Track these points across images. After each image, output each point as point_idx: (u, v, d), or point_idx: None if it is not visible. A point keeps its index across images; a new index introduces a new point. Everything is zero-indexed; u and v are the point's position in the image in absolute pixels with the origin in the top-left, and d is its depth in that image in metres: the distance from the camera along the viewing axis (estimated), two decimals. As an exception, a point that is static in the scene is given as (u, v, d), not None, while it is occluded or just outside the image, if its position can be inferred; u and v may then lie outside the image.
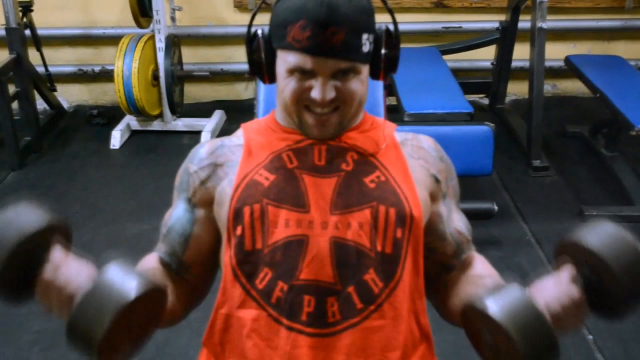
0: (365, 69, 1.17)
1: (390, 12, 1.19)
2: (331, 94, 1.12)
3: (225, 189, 1.20)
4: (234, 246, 1.18)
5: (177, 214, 1.27)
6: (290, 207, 1.16)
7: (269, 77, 1.20)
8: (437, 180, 1.27)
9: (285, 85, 1.15)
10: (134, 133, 4.30)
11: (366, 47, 1.13)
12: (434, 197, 1.26)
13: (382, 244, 1.16)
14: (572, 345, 2.39)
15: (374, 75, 1.20)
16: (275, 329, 1.14)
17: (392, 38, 1.18)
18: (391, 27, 1.19)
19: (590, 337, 2.45)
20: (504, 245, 3.04)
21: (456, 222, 1.30)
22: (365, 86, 1.18)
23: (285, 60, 1.14)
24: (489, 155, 2.89)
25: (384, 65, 1.19)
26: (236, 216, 1.17)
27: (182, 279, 1.28)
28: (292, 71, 1.13)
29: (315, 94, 1.12)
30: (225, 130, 4.26)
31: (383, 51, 1.17)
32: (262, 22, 1.21)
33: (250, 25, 1.19)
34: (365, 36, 1.12)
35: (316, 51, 1.10)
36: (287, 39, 1.12)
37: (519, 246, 3.05)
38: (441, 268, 1.30)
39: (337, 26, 1.08)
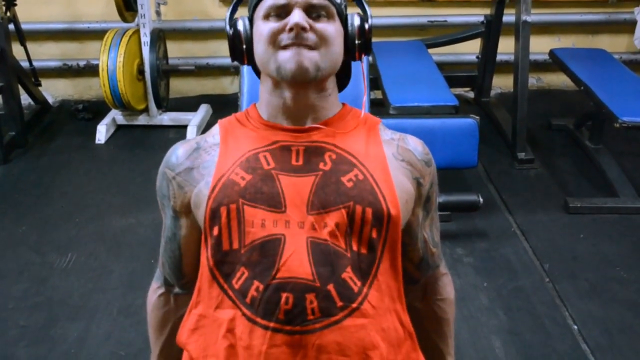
0: (338, 23, 1.20)
1: None
2: (306, 22, 1.14)
3: (202, 190, 1.20)
4: (210, 247, 1.17)
5: (168, 226, 1.28)
6: (266, 208, 1.15)
7: (248, 55, 1.23)
8: (419, 184, 1.26)
9: (261, 34, 1.18)
10: (119, 127, 4.28)
11: None
12: (414, 201, 1.25)
13: (357, 245, 1.15)
14: (557, 335, 2.40)
15: (350, 55, 1.24)
16: (250, 329, 1.13)
17: (363, 14, 1.23)
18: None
19: (575, 327, 2.47)
20: (490, 237, 3.05)
21: (426, 229, 1.31)
22: (340, 39, 1.21)
23: (262, 7, 1.18)
24: (474, 148, 2.90)
25: (357, 43, 1.22)
26: (213, 216, 1.16)
27: (187, 291, 1.29)
28: (267, 15, 1.17)
29: (291, 19, 1.14)
30: (211, 124, 4.19)
31: (356, 24, 1.22)
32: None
33: (233, 11, 1.24)
34: None
35: None
36: None
37: (504, 238, 3.07)
38: (406, 277, 1.29)
39: None
